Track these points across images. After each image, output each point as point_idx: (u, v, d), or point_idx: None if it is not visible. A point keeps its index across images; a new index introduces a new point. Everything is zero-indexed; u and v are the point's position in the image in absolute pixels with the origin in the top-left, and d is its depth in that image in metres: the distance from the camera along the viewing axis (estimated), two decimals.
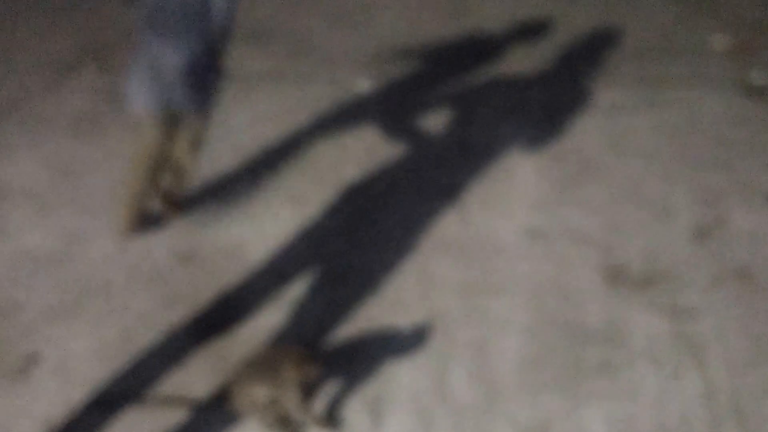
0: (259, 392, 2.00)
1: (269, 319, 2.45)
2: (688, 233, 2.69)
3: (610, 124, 3.38)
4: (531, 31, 4.36)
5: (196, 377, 2.26)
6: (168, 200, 2.90)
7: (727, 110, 3.43)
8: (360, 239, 2.77)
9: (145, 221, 2.88)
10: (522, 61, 3.97)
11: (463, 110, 3.53)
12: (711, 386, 2.12)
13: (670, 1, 4.63)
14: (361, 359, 2.29)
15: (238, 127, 3.53)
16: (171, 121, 2.58)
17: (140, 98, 2.49)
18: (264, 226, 2.85)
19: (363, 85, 3.83)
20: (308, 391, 2.13)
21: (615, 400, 2.11)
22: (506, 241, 2.73)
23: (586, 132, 3.29)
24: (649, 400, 2.10)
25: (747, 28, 4.25)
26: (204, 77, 2.50)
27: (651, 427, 2.03)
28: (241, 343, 2.37)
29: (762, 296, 2.41)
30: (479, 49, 4.18)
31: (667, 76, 3.61)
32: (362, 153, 3.25)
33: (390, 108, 3.58)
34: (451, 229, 2.81)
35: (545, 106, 3.52)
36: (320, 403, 2.17)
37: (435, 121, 3.44)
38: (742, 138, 3.23)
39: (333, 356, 2.31)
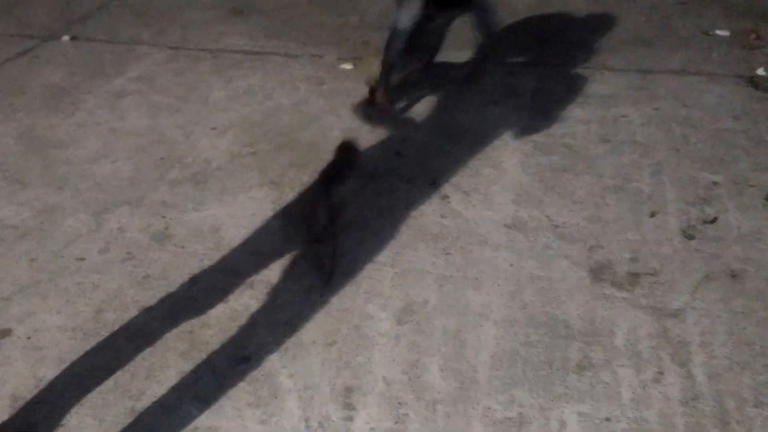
0: None
1: (243, 302, 2.39)
2: (677, 230, 2.62)
3: (601, 114, 3.30)
4: (524, 15, 4.26)
5: (167, 358, 2.20)
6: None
7: (727, 103, 3.35)
8: (337, 225, 2.70)
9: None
10: (513, 47, 3.88)
11: (450, 96, 3.46)
12: (694, 390, 2.06)
13: None
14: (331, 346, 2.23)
15: (216, 105, 3.47)
16: None
17: None
18: (240, 208, 2.79)
19: (348, 66, 3.76)
20: None
21: (593, 399, 2.05)
22: (488, 233, 2.66)
23: (577, 122, 3.21)
24: (628, 402, 2.04)
25: (753, 17, 4.14)
26: None
27: (629, 428, 1.97)
28: (213, 325, 2.31)
29: (752, 299, 2.34)
30: (467, 31, 4.08)
31: (664, 67, 3.53)
32: (342, 136, 3.17)
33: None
34: (431, 217, 2.74)
35: (535, 95, 3.44)
36: None
37: (420, 107, 3.37)
38: (742, 133, 3.15)
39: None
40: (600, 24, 4.06)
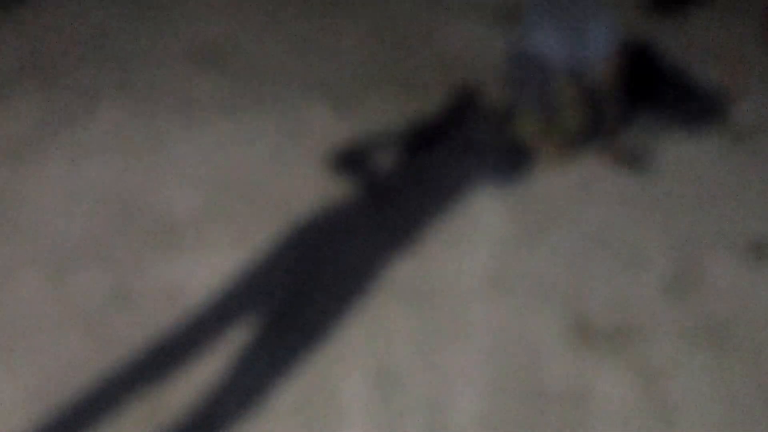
0: None
1: (207, 365, 2.28)
2: (660, 285, 2.55)
3: (579, 165, 3.26)
4: (503, 64, 4.28)
5: (126, 427, 2.09)
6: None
7: (709, 150, 3.32)
8: (308, 283, 2.61)
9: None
10: (492, 97, 3.88)
11: (427, 146, 3.41)
12: None
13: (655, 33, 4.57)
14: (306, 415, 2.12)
15: (184, 158, 3.39)
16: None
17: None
18: (206, 266, 2.69)
19: (322, 117, 3.72)
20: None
21: None
22: (466, 289, 2.57)
23: (556, 174, 3.17)
24: None
25: (734, 64, 4.18)
26: None
27: None
28: (177, 391, 2.20)
29: (739, 356, 2.27)
30: (444, 81, 4.08)
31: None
32: (315, 189, 3.11)
33: (346, 141, 3.46)
34: (407, 273, 2.65)
35: (514, 146, 3.41)
36: None
37: (396, 158, 3.32)
38: (724, 181, 3.11)
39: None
40: None
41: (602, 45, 2.81)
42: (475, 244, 2.79)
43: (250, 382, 2.23)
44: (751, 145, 3.31)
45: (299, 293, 2.57)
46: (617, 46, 2.85)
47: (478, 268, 2.67)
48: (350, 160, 3.30)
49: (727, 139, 3.42)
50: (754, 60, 3.75)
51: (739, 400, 2.13)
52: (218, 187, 3.16)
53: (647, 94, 3.07)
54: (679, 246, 2.73)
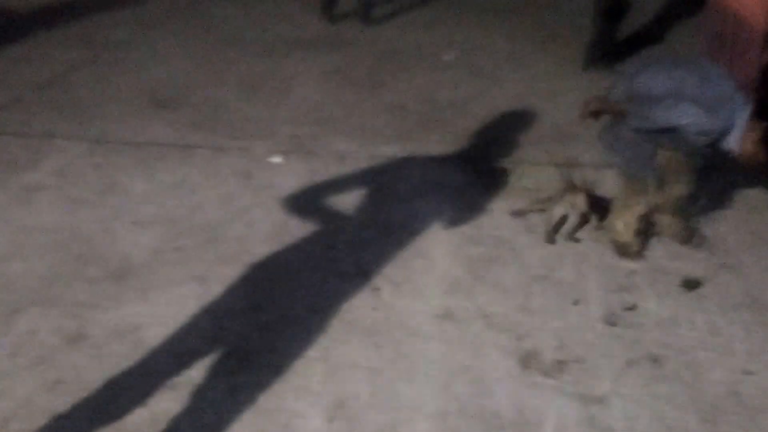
0: None
1: (164, 405, 2.27)
2: (600, 318, 2.69)
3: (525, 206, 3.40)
4: (449, 109, 4.43)
5: None
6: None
7: None
8: (265, 320, 2.64)
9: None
10: (439, 140, 4.01)
11: (379, 188, 3.50)
12: None
13: (590, 88, 4.79)
14: None
15: (139, 199, 3.38)
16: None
17: None
18: (163, 306, 2.69)
19: (278, 159, 3.77)
20: None
21: None
22: (419, 324, 2.66)
23: (502, 214, 3.30)
24: None
25: None
26: None
27: None
28: (131, 430, 2.17)
29: (673, 383, 2.40)
30: (397, 125, 4.20)
31: (579, 161, 3.70)
32: (271, 230, 3.15)
33: (303, 184, 3.52)
34: (362, 310, 2.72)
35: (462, 187, 3.53)
36: None
37: (349, 199, 3.39)
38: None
39: None
40: (521, 120, 4.25)
41: (737, 118, 2.75)
42: (427, 282, 2.89)
43: (208, 419, 2.24)
44: None
45: (257, 330, 2.59)
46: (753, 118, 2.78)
47: (430, 305, 2.76)
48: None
49: None
50: None
51: (674, 424, 2.25)
52: (173, 228, 3.16)
53: None
54: (615, 283, 2.88)
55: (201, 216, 3.26)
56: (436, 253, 3.05)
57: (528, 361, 2.48)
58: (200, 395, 2.31)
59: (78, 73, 4.86)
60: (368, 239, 3.12)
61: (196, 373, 2.40)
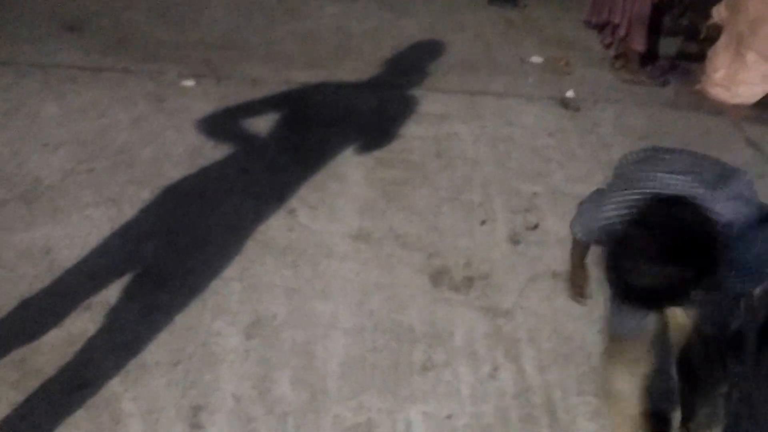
0: None
1: (79, 325, 2.26)
2: (505, 237, 2.84)
3: (435, 131, 3.50)
4: (360, 38, 4.44)
5: None
6: None
7: (543, 122, 3.68)
8: (180, 242, 2.64)
9: None
10: (352, 68, 4.02)
11: (293, 113, 3.50)
12: (525, 383, 2.23)
13: (494, 21, 4.91)
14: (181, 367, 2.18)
15: (49, 122, 3.26)
16: None
17: None
18: (75, 228, 2.64)
19: (190, 83, 3.69)
20: None
21: (435, 398, 2.16)
22: (334, 245, 2.73)
23: (414, 138, 3.38)
24: (467, 398, 2.17)
25: (563, 47, 4.59)
26: None
27: (469, 424, 2.09)
28: (47, 351, 2.17)
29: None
30: (309, 52, 4.17)
31: (489, 89, 3.81)
32: (184, 153, 3.11)
33: (216, 108, 3.47)
34: (278, 231, 2.76)
35: (374, 113, 3.58)
36: None
37: (263, 123, 3.38)
38: (555, 148, 3.47)
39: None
40: (431, 50, 4.31)
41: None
42: (342, 205, 2.95)
43: (124, 339, 2.25)
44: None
45: (172, 252, 2.60)
46: None
47: (344, 226, 2.83)
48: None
49: (558, 113, 3.80)
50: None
51: (572, 335, 2.42)
52: (84, 151, 3.08)
53: None
54: (519, 204, 3.03)
55: (112, 138, 3.18)
56: (350, 177, 3.11)
57: (438, 278, 2.61)
58: (116, 315, 2.31)
59: None
60: (283, 163, 3.14)
61: (111, 293, 2.39)
